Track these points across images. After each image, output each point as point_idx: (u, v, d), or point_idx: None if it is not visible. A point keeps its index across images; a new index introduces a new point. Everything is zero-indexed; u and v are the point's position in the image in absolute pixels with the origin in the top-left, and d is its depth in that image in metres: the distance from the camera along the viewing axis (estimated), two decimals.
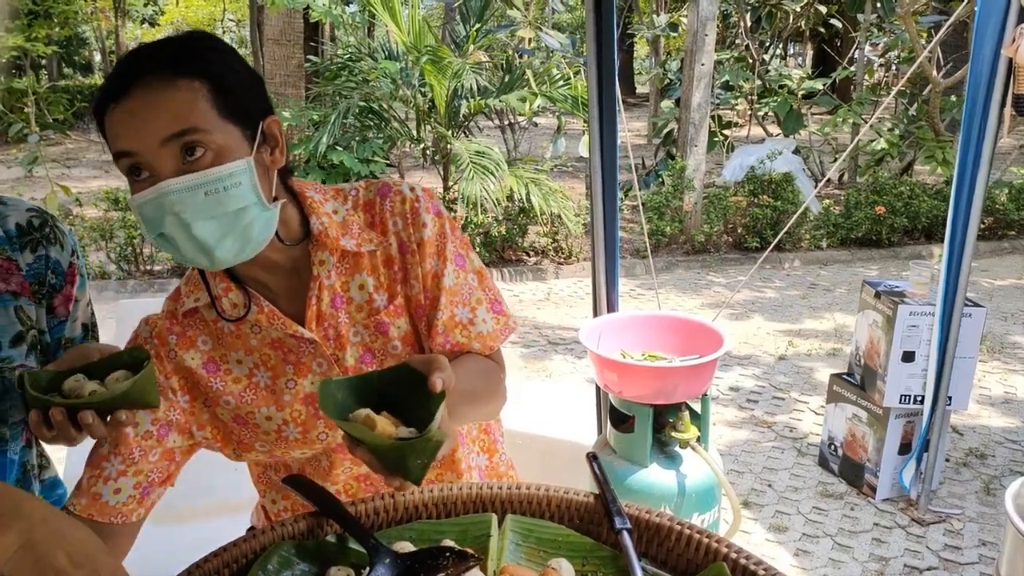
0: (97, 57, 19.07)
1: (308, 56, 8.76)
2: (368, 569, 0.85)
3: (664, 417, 2.13)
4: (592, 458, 1.07)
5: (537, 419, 2.96)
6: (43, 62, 15.27)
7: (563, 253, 6.99)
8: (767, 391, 4.37)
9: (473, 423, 1.23)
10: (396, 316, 1.10)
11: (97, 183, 8.38)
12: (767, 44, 10.66)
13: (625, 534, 0.91)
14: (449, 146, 6.78)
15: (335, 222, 1.08)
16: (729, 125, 9.63)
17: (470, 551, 0.86)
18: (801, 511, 3.16)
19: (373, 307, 1.09)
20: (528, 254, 7.06)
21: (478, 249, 6.64)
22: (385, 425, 0.86)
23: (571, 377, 4.62)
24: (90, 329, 1.20)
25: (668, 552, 0.92)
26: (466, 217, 6.69)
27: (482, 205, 6.41)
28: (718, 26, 7.76)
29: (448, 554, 0.86)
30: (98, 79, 17.28)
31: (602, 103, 2.47)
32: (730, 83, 9.31)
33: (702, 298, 6.14)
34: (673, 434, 2.11)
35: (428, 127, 7.18)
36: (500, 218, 6.86)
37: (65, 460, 2.13)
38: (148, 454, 1.07)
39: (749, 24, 9.74)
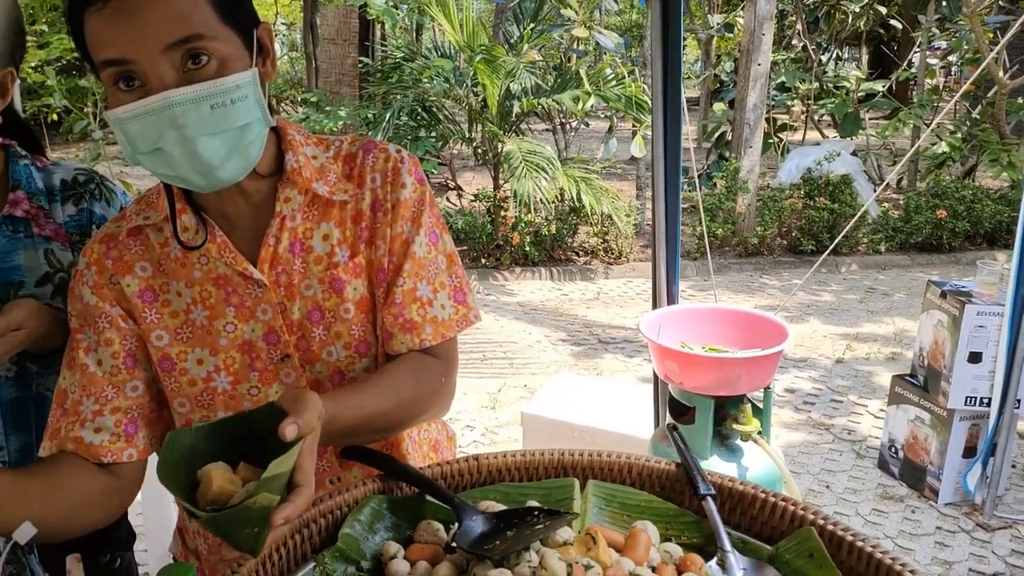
0: None
1: (360, 57, 8.91)
2: (457, 524, 0.88)
3: (725, 409, 2.12)
4: (672, 428, 1.08)
5: (592, 414, 2.97)
6: None
7: (613, 253, 6.97)
8: (824, 394, 4.29)
9: (397, 434, 1.10)
10: (354, 275, 1.02)
11: (154, 180, 8.63)
12: (824, 45, 10.47)
13: (709, 499, 0.91)
14: (501, 145, 6.82)
15: (312, 165, 1.01)
16: (783, 128, 9.48)
17: (559, 510, 0.88)
18: (860, 513, 3.10)
19: (332, 260, 1.01)
20: (578, 254, 7.06)
21: (527, 248, 6.66)
22: (223, 482, 0.73)
23: (622, 375, 4.61)
24: None
25: (752, 520, 0.93)
26: (517, 216, 6.73)
27: (533, 204, 6.43)
28: (775, 26, 7.66)
29: (537, 512, 0.88)
30: None
31: (667, 102, 2.48)
32: (786, 84, 9.17)
33: (755, 300, 6.06)
34: (735, 426, 2.09)
35: (480, 126, 7.23)
36: (551, 217, 6.87)
37: None
38: (123, 390, 0.98)
39: (806, 25, 9.59)
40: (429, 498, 0.94)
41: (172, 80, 0.83)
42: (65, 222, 1.14)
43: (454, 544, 0.85)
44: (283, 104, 16.45)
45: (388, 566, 0.84)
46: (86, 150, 9.05)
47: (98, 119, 8.90)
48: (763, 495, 0.92)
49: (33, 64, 9.63)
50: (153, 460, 0.91)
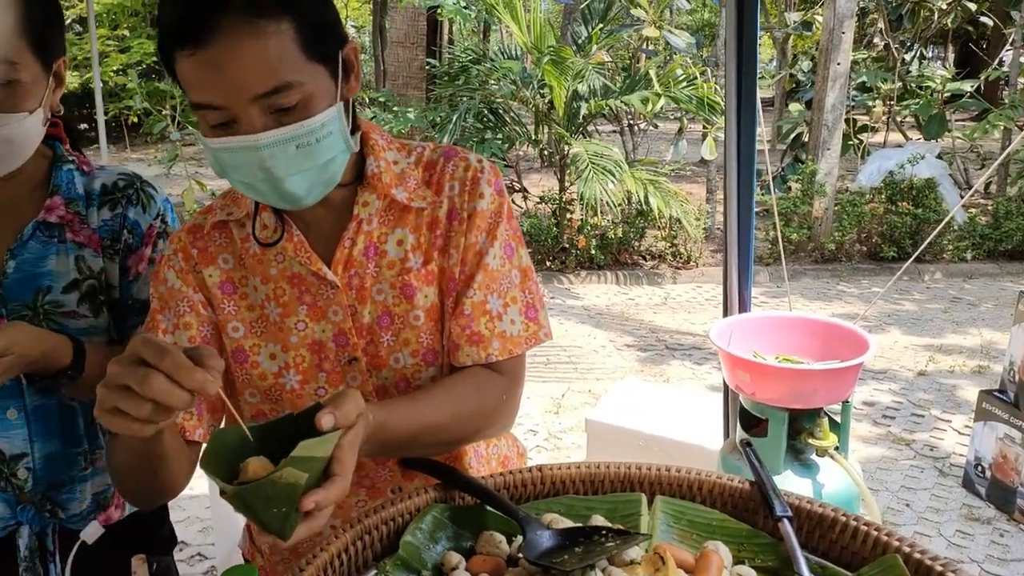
0: None
1: (428, 59, 9.00)
2: (521, 538, 0.85)
3: (800, 423, 2.03)
4: (746, 445, 1.03)
5: (658, 422, 2.90)
6: None
7: (681, 258, 6.84)
8: (905, 407, 4.10)
9: (454, 449, 1.09)
10: (426, 282, 1.01)
11: (227, 181, 8.88)
12: (908, 44, 10.05)
13: (786, 522, 0.87)
14: (567, 147, 6.78)
15: (392, 171, 1.01)
16: (864, 129, 9.14)
17: (629, 530, 0.85)
18: (943, 534, 2.94)
19: (405, 266, 1.00)
20: (645, 258, 6.95)
21: (593, 251, 6.60)
22: (258, 467, 0.73)
23: (690, 383, 4.51)
24: None
25: (831, 544, 0.87)
26: (582, 218, 6.67)
27: (599, 207, 6.37)
28: (855, 24, 7.39)
29: (605, 532, 0.85)
30: None
31: (740, 103, 2.40)
32: (867, 84, 8.84)
33: (831, 308, 5.85)
34: (810, 441, 2.00)
35: (546, 128, 7.20)
36: (617, 220, 6.79)
37: None
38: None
39: (889, 22, 9.22)
40: (491, 509, 0.92)
41: (260, 124, 0.84)
42: (99, 227, 1.13)
43: (517, 557, 0.83)
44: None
45: None
46: (164, 151, 9.42)
47: (176, 121, 9.23)
48: (844, 518, 0.87)
49: (115, 68, 10.10)
50: None
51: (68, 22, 9.89)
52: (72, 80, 11.15)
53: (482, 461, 1.15)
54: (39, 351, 0.98)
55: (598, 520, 0.90)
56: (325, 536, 0.84)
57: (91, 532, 0.78)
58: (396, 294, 1.01)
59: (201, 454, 0.75)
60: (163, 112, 9.23)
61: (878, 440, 3.73)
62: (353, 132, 0.97)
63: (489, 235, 1.02)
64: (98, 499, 1.13)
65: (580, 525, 0.87)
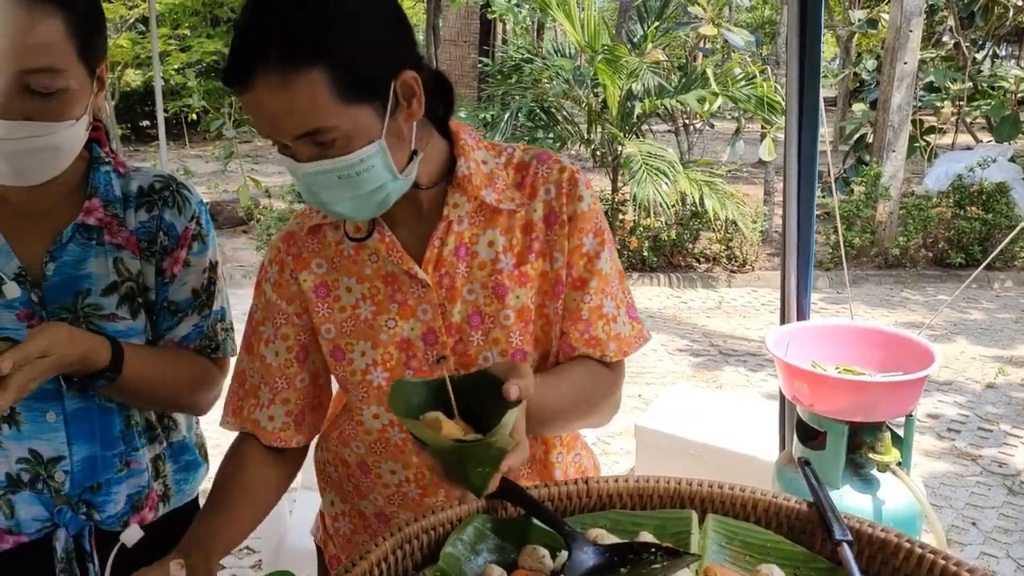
0: None
1: (480, 58, 9.02)
2: (566, 555, 0.82)
3: (860, 436, 1.96)
4: (804, 463, 0.98)
5: (710, 430, 2.83)
6: None
7: (737, 261, 6.70)
8: (972, 421, 3.93)
9: (565, 432, 1.14)
10: (518, 283, 1.02)
11: (283, 178, 9.07)
12: (979, 42, 9.65)
13: (845, 546, 0.82)
14: (620, 147, 6.70)
15: (482, 172, 1.03)
16: (931, 130, 8.81)
17: (678, 549, 0.81)
18: (1012, 555, 2.80)
19: (496, 267, 1.02)
20: (699, 260, 6.83)
21: (646, 253, 6.51)
22: (452, 429, 0.81)
23: (744, 391, 4.41)
24: (202, 297, 1.17)
25: (894, 571, 0.82)
26: (635, 219, 6.59)
27: (652, 208, 6.28)
28: (924, 22, 7.13)
29: (654, 550, 0.81)
30: None
31: (802, 103, 2.33)
32: (935, 84, 8.52)
33: (895, 315, 5.65)
34: (871, 455, 1.92)
35: (599, 128, 7.14)
36: (671, 222, 6.69)
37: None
38: (293, 382, 1.07)
39: (960, 20, 8.87)
40: (536, 522, 0.89)
41: (305, 155, 0.91)
42: (136, 228, 1.12)
43: (560, 574, 0.80)
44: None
45: None
46: (221, 148, 9.65)
47: (232, 119, 9.43)
48: (908, 544, 0.82)
49: (176, 66, 10.39)
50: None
51: (131, 21, 10.19)
52: (134, 79, 11.50)
53: (568, 472, 1.16)
54: (78, 352, 0.97)
55: (646, 537, 0.86)
56: (364, 544, 0.83)
57: (131, 535, 0.78)
58: (487, 294, 1.02)
59: (388, 399, 0.84)
60: (220, 110, 9.46)
61: (942, 455, 3.58)
62: (445, 134, 1.03)
63: (597, 238, 1.04)
64: (132, 500, 1.14)
65: (627, 542, 0.84)
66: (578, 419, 1.06)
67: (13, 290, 1.00)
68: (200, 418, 1.26)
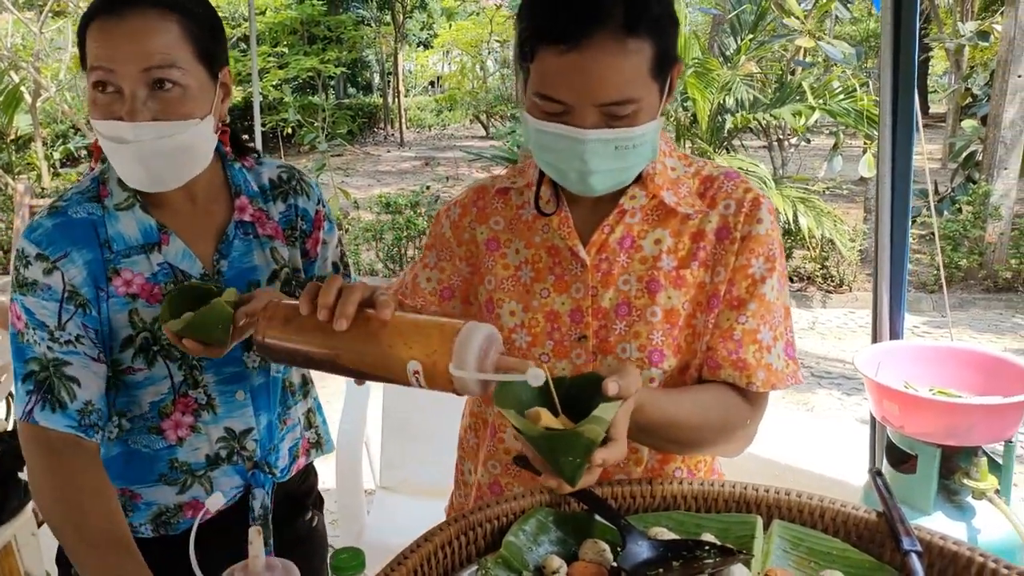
0: (376, 79, 20.50)
1: None
2: (622, 548, 0.84)
3: (954, 461, 1.87)
4: (877, 474, 0.96)
5: (798, 452, 2.75)
6: (332, 82, 17.30)
7: (833, 281, 6.46)
8: None
9: (686, 452, 1.12)
10: (672, 285, 1.03)
11: (371, 191, 9.34)
12: None
13: (914, 557, 0.80)
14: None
15: (668, 175, 1.06)
16: None
17: (733, 547, 0.82)
18: None
19: (656, 264, 1.04)
20: (792, 279, 6.63)
21: None
22: (551, 421, 0.83)
23: (836, 414, 4.24)
24: (341, 266, 1.29)
25: None
26: None
27: None
28: None
29: (708, 548, 0.82)
30: (376, 99, 19.09)
31: (896, 116, 2.26)
32: None
33: (1004, 341, 5.31)
34: (965, 481, 1.84)
35: (688, 142, 7.05)
36: None
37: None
38: (428, 310, 1.15)
39: None
40: (597, 518, 0.91)
41: (591, 123, 0.93)
42: (279, 218, 1.22)
43: (622, 568, 0.82)
44: (493, 119, 17.17)
45: None
46: (314, 160, 10.07)
47: (325, 132, 9.77)
48: (981, 558, 0.79)
49: (274, 83, 10.92)
50: None
51: (233, 40, 10.73)
52: (235, 94, 12.22)
53: None
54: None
55: (707, 538, 0.87)
56: (430, 529, 0.87)
57: (214, 502, 0.85)
58: (641, 287, 1.04)
59: (494, 394, 0.84)
60: (314, 124, 9.85)
61: None
62: None
63: (768, 263, 1.03)
64: (292, 452, 1.28)
65: (683, 539, 0.85)
66: (697, 441, 1.03)
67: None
68: None
